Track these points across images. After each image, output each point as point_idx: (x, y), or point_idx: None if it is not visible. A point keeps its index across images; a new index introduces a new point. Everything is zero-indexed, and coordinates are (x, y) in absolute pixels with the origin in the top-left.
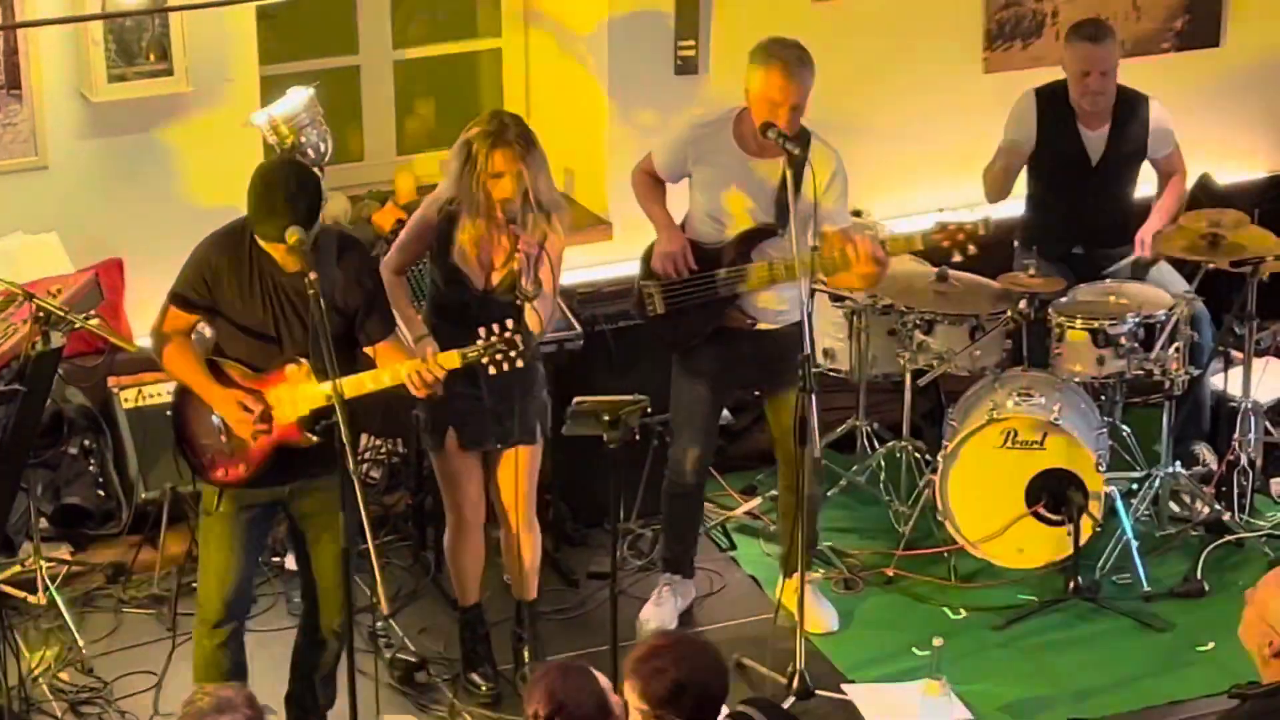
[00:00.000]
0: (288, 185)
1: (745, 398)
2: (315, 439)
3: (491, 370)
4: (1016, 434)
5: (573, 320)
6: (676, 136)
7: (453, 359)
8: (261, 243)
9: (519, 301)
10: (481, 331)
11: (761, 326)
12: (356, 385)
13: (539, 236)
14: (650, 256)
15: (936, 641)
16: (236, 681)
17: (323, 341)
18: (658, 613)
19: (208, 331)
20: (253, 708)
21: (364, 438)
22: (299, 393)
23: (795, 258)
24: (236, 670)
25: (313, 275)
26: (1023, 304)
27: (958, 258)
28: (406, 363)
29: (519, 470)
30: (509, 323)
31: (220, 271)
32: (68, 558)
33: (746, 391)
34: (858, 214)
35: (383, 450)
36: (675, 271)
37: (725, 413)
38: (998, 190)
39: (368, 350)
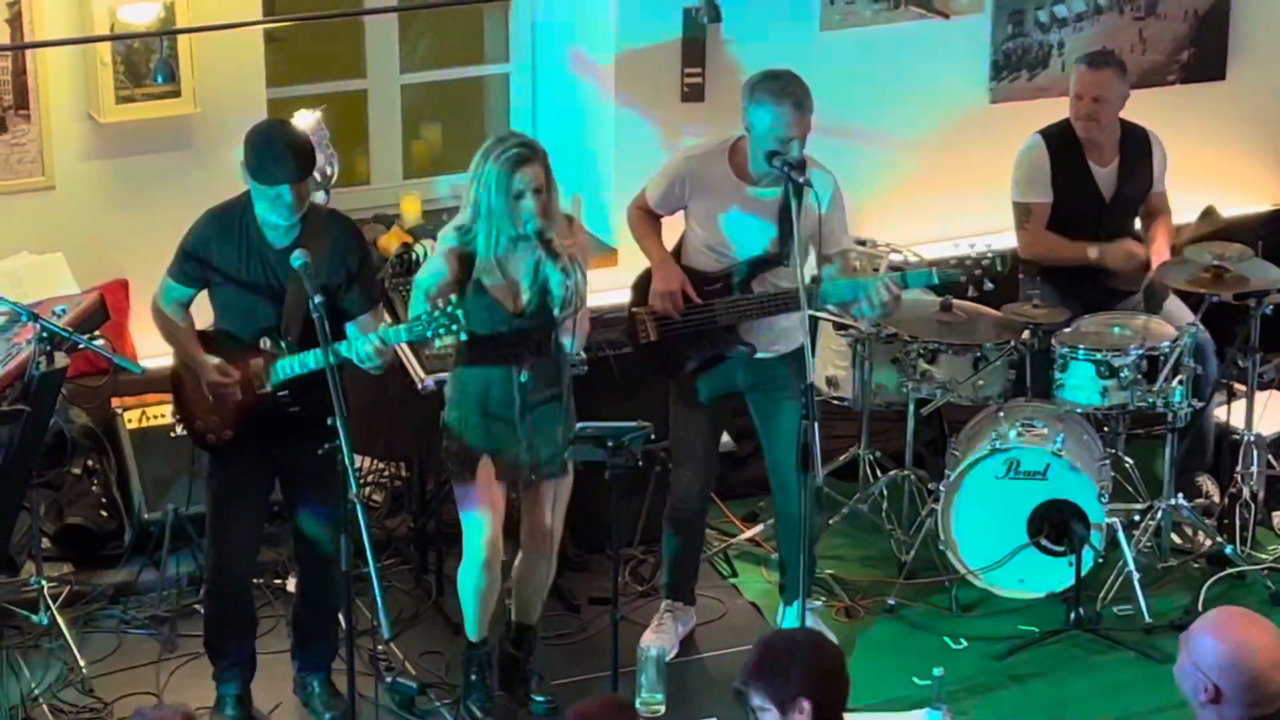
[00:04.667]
0: (289, 136)
1: (748, 425)
2: (282, 398)
3: (436, 343)
4: (1019, 464)
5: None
6: (670, 170)
7: (398, 332)
8: (262, 189)
9: (560, 313)
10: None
11: (761, 355)
12: (301, 364)
13: (569, 242)
14: (642, 284)
15: (937, 671)
16: (245, 634)
17: (301, 315)
18: (659, 639)
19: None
20: None
21: (367, 461)
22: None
23: (803, 286)
24: (248, 625)
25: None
26: (1026, 334)
27: (973, 293)
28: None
29: (555, 502)
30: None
31: (210, 246)
32: (70, 578)
33: (745, 419)
34: (862, 243)
35: (385, 474)
36: (674, 309)
37: (728, 439)
38: (1045, 253)
39: (349, 325)
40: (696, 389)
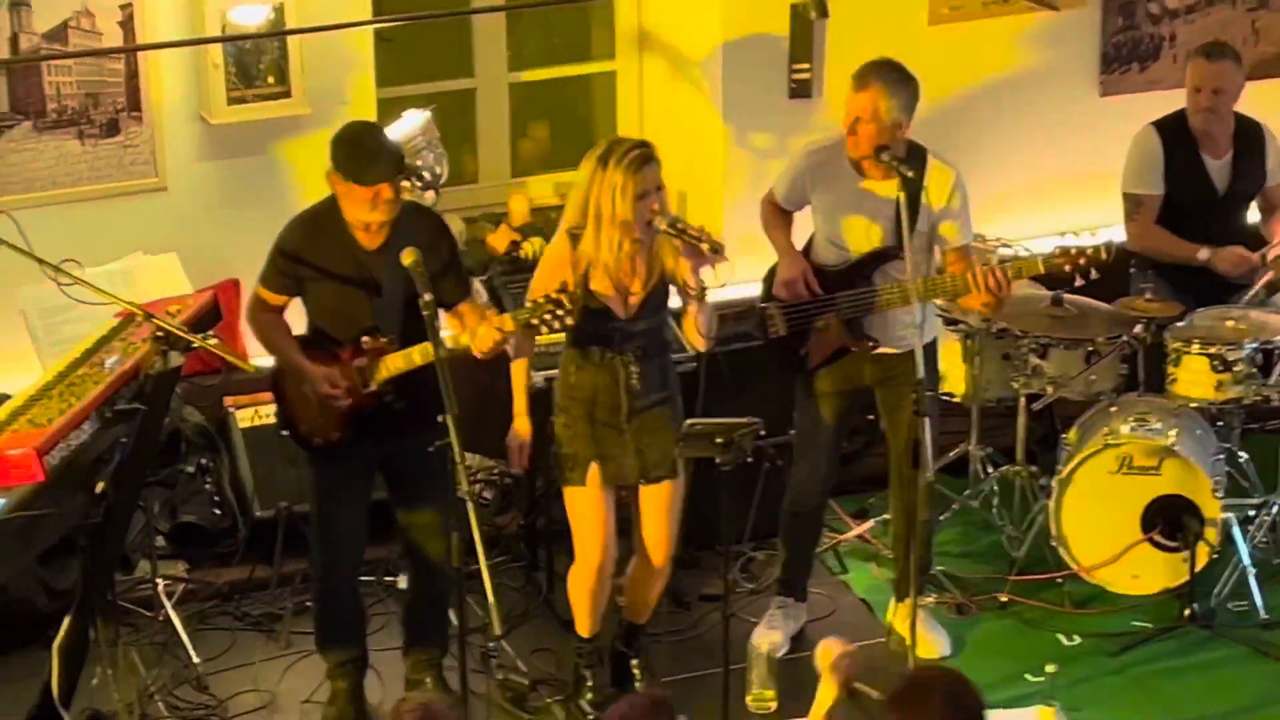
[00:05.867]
0: (377, 135)
1: (859, 421)
2: (387, 396)
3: (544, 331)
4: (1132, 459)
5: (685, 342)
6: (792, 165)
7: (506, 321)
8: (360, 188)
9: (691, 295)
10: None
11: (883, 350)
12: (405, 360)
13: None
14: (772, 279)
15: (1050, 668)
16: (356, 631)
17: (420, 312)
18: (769, 636)
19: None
20: (456, 712)
21: (476, 458)
22: (382, 363)
23: (910, 281)
24: (358, 622)
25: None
26: (1139, 328)
27: (1079, 282)
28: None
29: (664, 507)
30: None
31: (302, 251)
32: (184, 575)
33: (868, 414)
34: (977, 238)
35: (495, 471)
36: (797, 297)
37: None
38: (1153, 247)
39: (448, 315)
40: (822, 383)
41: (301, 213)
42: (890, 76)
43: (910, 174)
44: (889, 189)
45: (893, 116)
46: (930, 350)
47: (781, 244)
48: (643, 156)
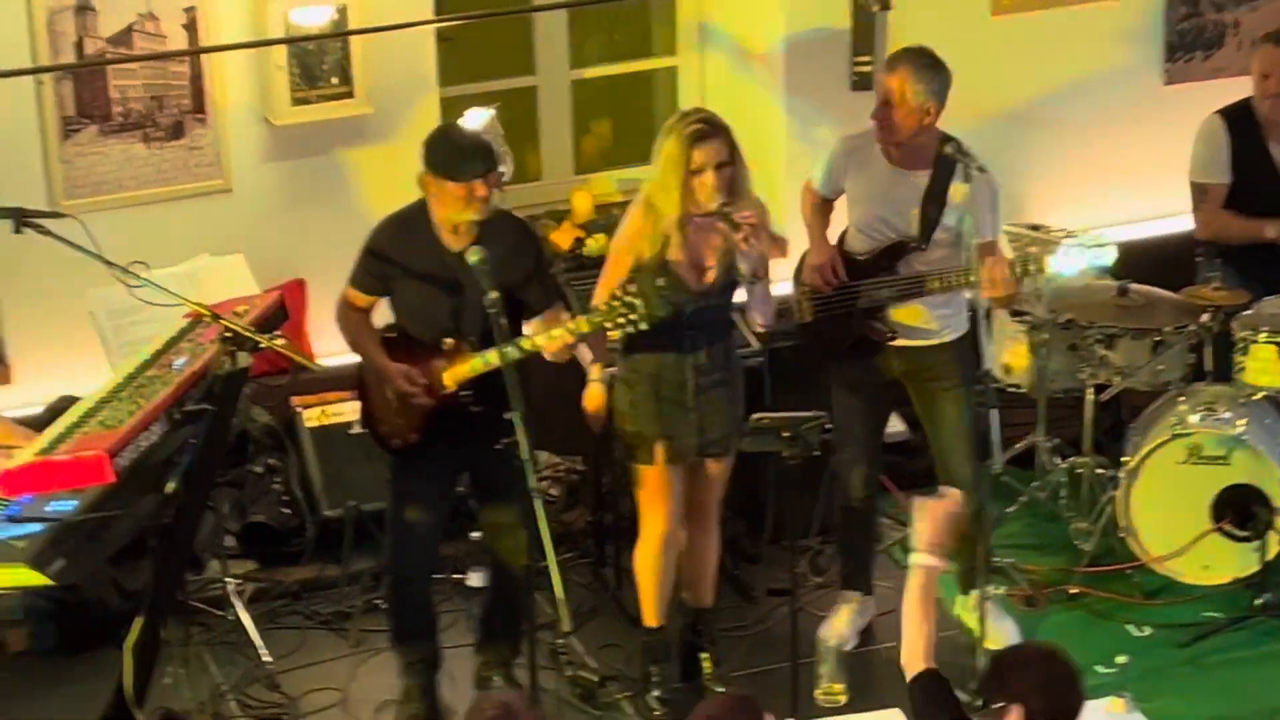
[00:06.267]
0: (468, 134)
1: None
2: (465, 396)
3: (615, 334)
4: (1201, 449)
5: (750, 337)
6: (829, 152)
7: (580, 323)
8: (454, 185)
9: (742, 278)
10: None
11: (902, 342)
12: (482, 362)
13: (754, 214)
14: (803, 265)
15: (1120, 659)
16: (429, 629)
17: (486, 315)
18: (838, 629)
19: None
20: (534, 712)
21: (544, 456)
22: (457, 365)
23: (972, 269)
24: (431, 621)
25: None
26: (1206, 317)
27: None
28: (537, 336)
29: (713, 480)
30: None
31: (388, 253)
32: (254, 575)
33: (907, 408)
34: (1036, 228)
35: (562, 468)
36: (824, 282)
37: (903, 428)
38: (1221, 232)
39: (533, 322)
40: (853, 374)
41: (391, 214)
42: (919, 61)
43: (976, 166)
44: (919, 179)
45: (919, 100)
46: (957, 344)
47: (814, 230)
48: (699, 132)
